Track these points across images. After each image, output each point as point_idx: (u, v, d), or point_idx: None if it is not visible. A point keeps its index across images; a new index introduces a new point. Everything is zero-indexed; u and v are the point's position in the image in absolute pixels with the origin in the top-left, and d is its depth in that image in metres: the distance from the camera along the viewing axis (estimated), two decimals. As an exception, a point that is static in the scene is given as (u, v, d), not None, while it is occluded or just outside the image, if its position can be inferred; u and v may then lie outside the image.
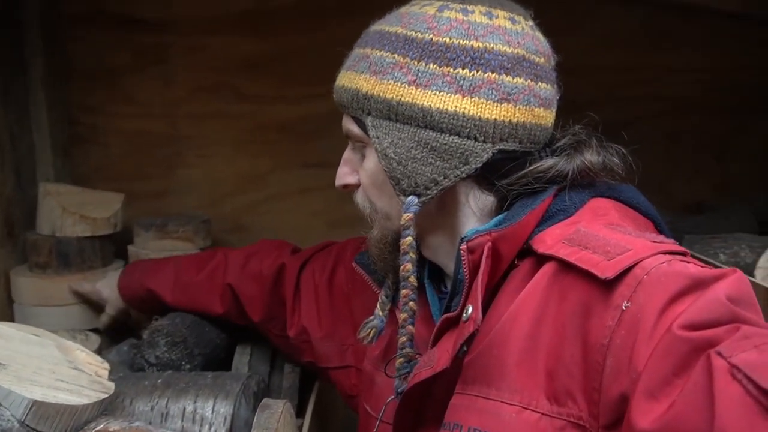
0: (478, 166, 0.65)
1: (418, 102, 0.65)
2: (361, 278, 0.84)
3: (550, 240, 0.62)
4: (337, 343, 0.91)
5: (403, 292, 0.68)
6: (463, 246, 0.63)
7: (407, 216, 0.66)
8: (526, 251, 0.64)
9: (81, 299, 1.15)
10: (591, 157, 0.67)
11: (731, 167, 1.41)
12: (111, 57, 1.29)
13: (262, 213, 1.33)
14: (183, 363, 0.95)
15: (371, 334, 0.76)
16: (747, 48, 1.35)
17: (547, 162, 0.66)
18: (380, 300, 0.78)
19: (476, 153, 0.65)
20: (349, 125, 0.71)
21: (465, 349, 0.61)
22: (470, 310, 0.61)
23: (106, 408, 0.70)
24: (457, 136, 0.65)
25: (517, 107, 0.65)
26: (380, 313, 0.77)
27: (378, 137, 0.67)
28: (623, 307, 0.53)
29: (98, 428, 0.69)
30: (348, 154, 0.74)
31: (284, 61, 1.31)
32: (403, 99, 0.65)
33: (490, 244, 0.62)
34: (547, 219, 0.65)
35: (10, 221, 1.22)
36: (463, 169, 0.65)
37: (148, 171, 1.32)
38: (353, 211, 1.30)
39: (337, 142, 1.29)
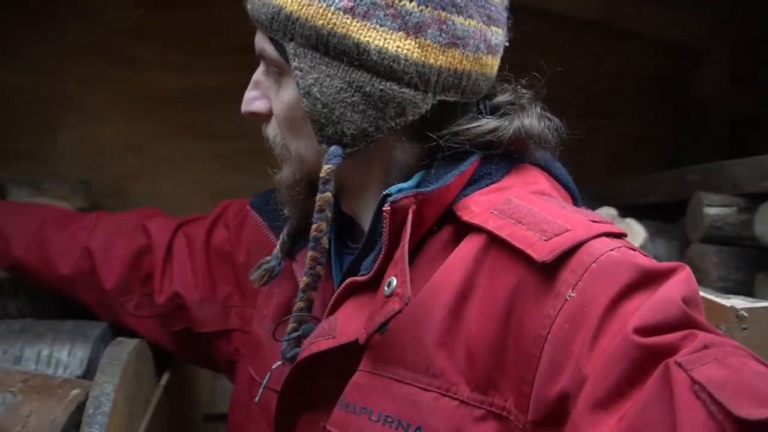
0: (416, 118, 0.58)
1: (354, 35, 0.56)
2: (248, 233, 0.78)
3: (477, 208, 0.56)
4: (218, 305, 0.83)
5: (311, 254, 0.61)
6: (387, 207, 0.56)
7: (328, 168, 0.58)
8: (447, 216, 0.58)
9: None
10: (531, 124, 0.61)
11: (586, 164, 1.55)
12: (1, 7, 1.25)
13: (144, 181, 1.32)
14: (42, 316, 0.94)
15: (265, 277, 0.69)
16: (604, 56, 1.50)
17: (490, 124, 0.60)
18: (281, 241, 0.70)
19: (415, 103, 0.57)
20: (264, 45, 0.61)
21: (386, 328, 0.55)
22: (394, 283, 0.55)
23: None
24: (395, 83, 0.57)
25: (465, 54, 0.58)
26: (279, 255, 0.69)
27: (301, 70, 0.58)
28: (567, 297, 0.48)
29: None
30: (259, 75, 0.64)
31: (176, 31, 1.31)
32: (336, 29, 0.56)
33: (414, 207, 0.56)
34: (472, 183, 0.59)
35: None
36: (398, 120, 0.58)
37: (25, 130, 1.29)
38: (237, 183, 1.34)
39: (223, 114, 1.33)
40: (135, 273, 0.85)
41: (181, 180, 1.34)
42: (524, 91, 0.63)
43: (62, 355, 0.80)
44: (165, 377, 0.87)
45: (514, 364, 0.50)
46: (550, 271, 0.50)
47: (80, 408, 0.66)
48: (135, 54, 1.31)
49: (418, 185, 0.58)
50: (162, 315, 0.85)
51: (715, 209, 0.94)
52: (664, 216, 1.10)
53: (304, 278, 0.62)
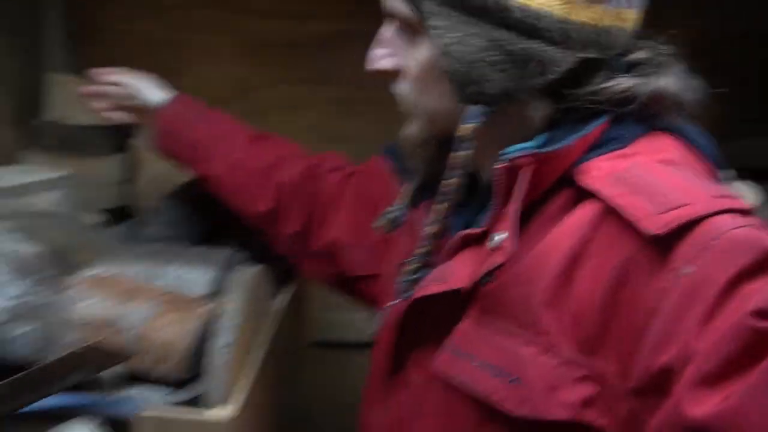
0: (555, 77, 0.56)
1: None
2: (390, 186, 0.79)
3: (597, 173, 0.55)
4: (366, 251, 0.87)
5: (438, 207, 0.63)
6: (503, 165, 0.56)
7: (468, 127, 0.58)
8: (566, 180, 0.57)
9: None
10: (668, 84, 0.58)
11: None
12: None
13: (257, 123, 1.38)
14: (176, 242, 1.04)
15: (388, 225, 0.72)
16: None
17: (624, 83, 0.57)
18: (406, 190, 0.72)
19: (556, 62, 0.56)
20: (395, 2, 0.60)
21: (489, 279, 0.57)
22: (502, 237, 0.56)
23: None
24: (538, 41, 0.55)
25: (607, 9, 0.56)
26: (402, 205, 0.72)
27: (439, 30, 0.57)
28: (683, 272, 0.48)
29: (93, 272, 0.79)
30: (386, 33, 0.63)
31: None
32: None
33: (531, 167, 0.55)
34: (597, 147, 0.57)
35: (20, 108, 1.29)
36: (539, 79, 0.56)
37: (156, 67, 1.36)
38: (349, 129, 1.39)
39: (338, 61, 1.36)
40: (311, 215, 0.91)
41: (295, 124, 1.39)
42: (663, 47, 0.60)
43: (194, 276, 0.88)
44: (283, 299, 0.94)
45: (622, 332, 0.50)
46: (665, 245, 0.49)
47: (210, 321, 0.73)
48: (253, 4, 1.37)
49: (541, 146, 0.57)
50: (325, 256, 0.90)
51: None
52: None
53: (428, 228, 0.64)
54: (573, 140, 0.56)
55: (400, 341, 0.65)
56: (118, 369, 0.70)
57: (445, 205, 0.62)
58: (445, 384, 0.59)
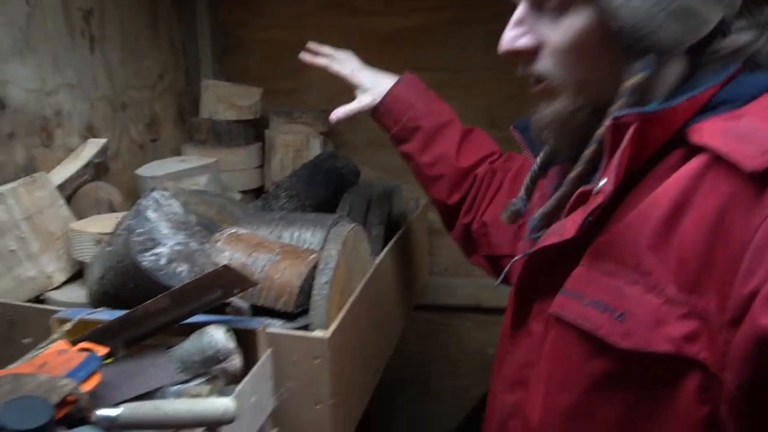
0: (707, 33, 0.58)
1: None
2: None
3: (708, 131, 0.57)
4: (510, 232, 0.93)
5: (576, 171, 0.65)
6: (608, 122, 0.58)
7: (638, 77, 0.59)
8: (681, 141, 0.59)
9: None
10: None
11: None
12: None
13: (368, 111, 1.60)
14: (297, 211, 1.26)
15: (511, 215, 0.76)
16: None
17: (743, 37, 0.59)
18: (525, 184, 0.77)
19: (709, 18, 0.58)
20: None
21: (590, 219, 0.59)
22: (603, 182, 0.58)
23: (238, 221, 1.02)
24: None
25: None
26: (523, 196, 0.76)
27: None
28: None
29: (231, 231, 1.01)
30: (522, 14, 0.65)
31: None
32: None
33: (636, 125, 0.57)
34: (711, 108, 0.59)
35: (182, 109, 1.59)
36: (697, 34, 0.58)
37: (281, 73, 1.63)
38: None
39: (438, 49, 1.51)
40: (479, 206, 1.01)
41: None
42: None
43: (307, 235, 1.08)
44: (379, 258, 1.12)
45: (721, 269, 0.53)
46: (762, 184, 0.51)
47: (316, 266, 0.93)
48: (359, 4, 1.56)
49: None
50: (478, 237, 1.01)
51: None
52: None
53: (562, 190, 0.66)
54: (677, 102, 0.58)
55: (523, 295, 0.71)
56: (247, 301, 0.92)
57: (580, 169, 0.64)
58: (559, 325, 0.63)
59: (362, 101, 1.06)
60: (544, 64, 0.64)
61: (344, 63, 1.11)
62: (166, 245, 0.86)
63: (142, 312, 0.70)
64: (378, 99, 1.04)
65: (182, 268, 0.86)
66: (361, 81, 1.08)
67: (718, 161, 0.54)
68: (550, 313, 0.65)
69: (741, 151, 0.52)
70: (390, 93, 1.04)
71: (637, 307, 0.56)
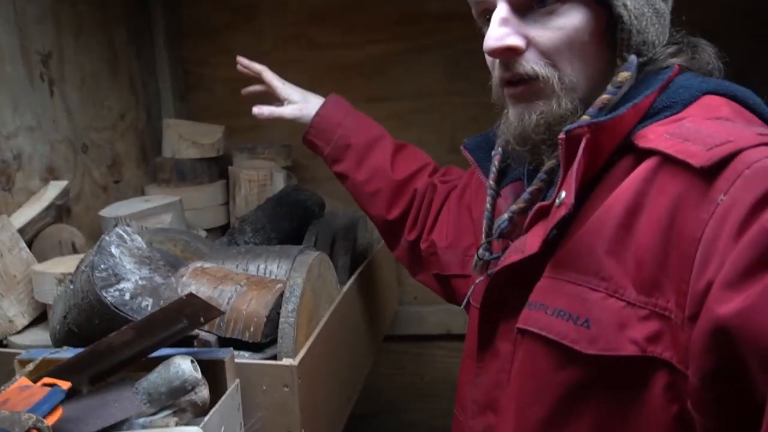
0: (667, 36, 0.66)
1: None
2: (482, 191, 0.83)
3: (653, 135, 0.59)
4: (459, 252, 0.93)
5: (537, 185, 0.68)
6: (562, 136, 0.60)
7: (626, 75, 0.63)
8: (628, 147, 0.62)
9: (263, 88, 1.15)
10: (704, 47, 0.68)
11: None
12: (213, 18, 1.62)
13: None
14: (263, 245, 1.26)
15: (482, 269, 0.76)
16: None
17: (670, 49, 0.66)
18: (484, 230, 0.77)
19: (668, 24, 0.66)
20: None
21: (555, 232, 0.61)
22: (563, 195, 0.60)
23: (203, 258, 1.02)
24: (664, 3, 0.66)
25: None
26: (485, 244, 0.76)
27: None
28: (719, 201, 0.51)
29: (196, 265, 1.01)
30: (506, 13, 0.65)
31: (347, 14, 1.57)
32: None
33: (588, 136, 0.59)
34: (652, 116, 0.62)
35: (144, 149, 1.59)
36: (665, 36, 0.66)
37: (243, 109, 1.63)
38: (410, 138, 1.56)
39: (397, 77, 1.55)
40: (425, 223, 1.01)
41: None
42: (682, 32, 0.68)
43: (273, 267, 1.08)
44: (346, 286, 1.13)
45: (675, 267, 0.54)
46: (709, 179, 0.53)
47: (282, 295, 0.93)
48: (318, 38, 1.60)
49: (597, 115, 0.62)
50: (427, 257, 1.00)
51: None
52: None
53: (520, 203, 0.68)
54: (624, 110, 0.61)
55: (488, 316, 0.71)
56: (215, 334, 0.92)
57: (540, 184, 0.67)
58: (526, 338, 0.63)
59: (288, 111, 1.08)
60: (534, 64, 0.64)
61: (273, 77, 1.13)
62: (130, 280, 0.86)
63: (106, 346, 0.70)
64: (305, 113, 1.06)
65: (147, 302, 0.86)
66: (290, 95, 1.10)
67: (667, 162, 0.57)
68: (517, 328, 0.65)
69: (687, 149, 0.55)
70: (318, 114, 1.06)
71: (601, 313, 0.57)
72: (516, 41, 0.64)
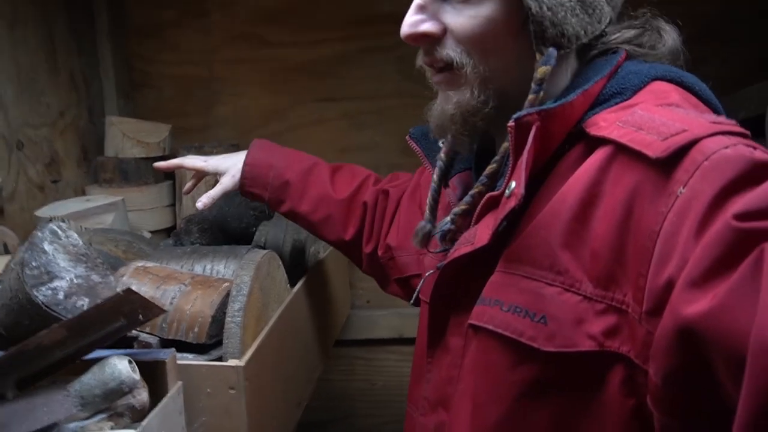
0: (603, 26, 0.63)
1: None
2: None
3: (605, 123, 0.58)
4: (414, 251, 0.90)
5: (490, 169, 0.65)
6: (511, 123, 0.58)
7: (545, 69, 0.60)
8: (579, 135, 0.60)
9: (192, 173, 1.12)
10: (668, 32, 0.65)
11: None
12: (161, 14, 1.57)
13: (283, 141, 1.55)
14: (208, 243, 1.22)
15: (421, 240, 0.74)
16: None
17: (629, 32, 0.65)
18: (428, 203, 0.75)
19: (605, 13, 0.63)
20: None
21: (505, 223, 0.60)
22: (513, 185, 0.59)
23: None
24: None
25: None
26: (429, 216, 0.74)
27: None
28: (678, 193, 0.50)
29: (138, 264, 0.97)
30: (423, 0, 0.64)
31: (299, 13, 1.55)
32: None
33: (538, 124, 0.58)
34: (602, 102, 0.61)
35: (85, 148, 1.53)
36: (597, 27, 0.62)
37: (191, 108, 1.60)
38: (362, 139, 1.55)
39: (350, 78, 1.53)
40: (380, 232, 0.99)
41: (314, 139, 1.57)
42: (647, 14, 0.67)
43: (220, 267, 1.05)
44: (297, 286, 1.10)
45: (632, 260, 0.52)
46: (666, 170, 0.51)
47: (229, 294, 0.89)
48: (269, 37, 1.57)
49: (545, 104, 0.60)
50: (385, 262, 0.97)
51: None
52: (759, 132, 1.10)
53: (462, 206, 0.66)
54: (573, 97, 0.59)
55: (438, 311, 0.69)
56: (157, 336, 0.87)
57: (494, 167, 0.65)
58: (480, 335, 0.62)
59: (224, 183, 1.04)
60: (450, 51, 0.63)
61: (194, 159, 1.10)
62: (64, 278, 0.81)
63: (34, 346, 0.65)
64: (237, 176, 1.03)
65: (83, 302, 0.80)
66: (217, 167, 1.06)
67: (622, 152, 0.55)
68: (469, 324, 0.63)
69: (642, 139, 0.53)
70: (246, 163, 1.03)
71: (557, 308, 0.56)
72: (429, 27, 0.63)
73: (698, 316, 0.44)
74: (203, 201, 1.03)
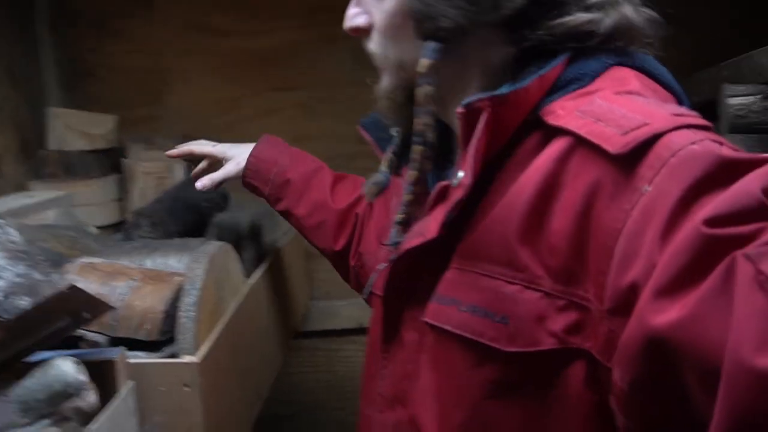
0: (508, 13, 0.57)
1: None
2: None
3: (563, 111, 0.55)
4: (382, 253, 0.82)
5: (416, 148, 0.62)
6: (460, 110, 0.56)
7: (425, 63, 0.59)
8: (536, 123, 0.57)
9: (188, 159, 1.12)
10: (630, 15, 0.59)
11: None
12: (105, 2, 1.51)
13: (235, 132, 1.51)
14: (159, 237, 1.17)
15: (373, 190, 0.73)
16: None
17: (582, 17, 0.58)
18: (387, 156, 0.74)
19: (497, 4, 0.57)
20: None
21: (452, 215, 0.58)
22: (460, 175, 0.56)
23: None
24: None
25: None
26: (384, 169, 0.73)
27: None
28: (642, 191, 0.47)
29: (85, 261, 0.92)
30: None
31: (252, 1, 1.51)
32: None
33: (489, 110, 0.55)
34: (560, 88, 0.58)
35: (25, 142, 1.46)
36: (491, 15, 0.57)
37: (139, 99, 1.54)
38: (315, 128, 1.52)
39: (306, 67, 1.50)
40: (354, 236, 0.97)
41: (267, 129, 1.49)
42: None
43: (172, 262, 1.00)
44: (253, 278, 1.07)
45: (594, 256, 0.51)
46: (627, 165, 0.49)
47: (182, 288, 0.86)
48: (222, 25, 1.53)
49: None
50: (357, 270, 0.94)
51: (738, 99, 0.97)
52: (711, 117, 1.12)
53: (410, 172, 0.64)
54: (528, 82, 0.56)
55: (391, 305, 0.67)
56: (105, 334, 0.83)
57: (424, 145, 0.62)
58: (437, 334, 0.60)
59: (228, 169, 1.03)
60: (372, 44, 0.66)
61: (203, 144, 1.09)
62: (3, 277, 0.76)
63: (-31, 349, 0.61)
64: (242, 165, 1.02)
65: (24, 301, 0.76)
66: (225, 152, 1.06)
67: (581, 143, 0.52)
68: (424, 321, 0.62)
69: (601, 132, 0.51)
70: (252, 155, 1.02)
71: (518, 307, 0.55)
72: (358, 21, 0.65)
73: (667, 326, 0.42)
74: (203, 182, 1.04)
